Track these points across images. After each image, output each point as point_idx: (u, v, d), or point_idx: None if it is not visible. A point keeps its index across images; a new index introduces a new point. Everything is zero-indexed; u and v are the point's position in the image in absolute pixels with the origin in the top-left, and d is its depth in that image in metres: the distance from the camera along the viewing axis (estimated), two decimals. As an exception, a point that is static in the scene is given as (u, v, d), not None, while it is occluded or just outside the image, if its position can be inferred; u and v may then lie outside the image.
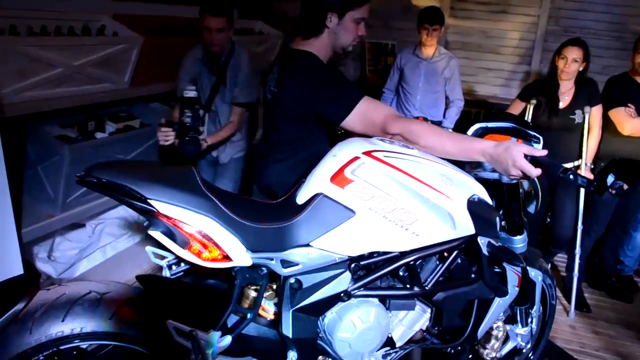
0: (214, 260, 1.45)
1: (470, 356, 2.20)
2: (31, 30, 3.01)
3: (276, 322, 1.70)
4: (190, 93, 2.84)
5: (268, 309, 1.75)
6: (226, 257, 1.45)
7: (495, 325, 2.14)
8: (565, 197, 3.62)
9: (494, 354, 2.15)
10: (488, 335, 2.16)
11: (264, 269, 1.62)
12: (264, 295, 1.73)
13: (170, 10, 4.16)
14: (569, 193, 3.60)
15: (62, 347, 1.46)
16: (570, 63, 3.36)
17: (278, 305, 1.65)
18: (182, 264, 1.80)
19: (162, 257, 1.80)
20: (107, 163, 1.45)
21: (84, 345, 1.49)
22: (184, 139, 2.87)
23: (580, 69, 3.40)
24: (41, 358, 1.51)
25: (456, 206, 1.66)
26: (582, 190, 3.48)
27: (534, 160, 1.64)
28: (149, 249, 1.77)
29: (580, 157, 3.48)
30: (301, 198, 1.66)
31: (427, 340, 1.91)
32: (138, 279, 1.60)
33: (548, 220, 3.99)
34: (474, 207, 1.70)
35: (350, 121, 1.93)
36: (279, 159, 2.22)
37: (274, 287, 1.75)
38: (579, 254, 3.58)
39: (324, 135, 2.22)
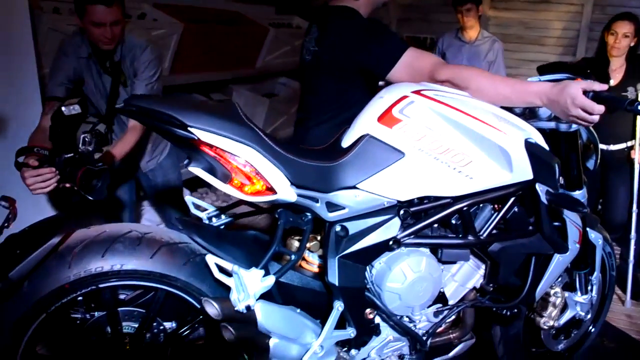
0: (257, 193, 1.38)
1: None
2: (72, 12, 3.04)
3: (321, 275, 1.62)
4: (74, 109, 1.72)
5: (312, 261, 1.67)
6: (270, 190, 1.38)
7: (552, 291, 2.00)
8: (617, 180, 3.45)
9: (551, 322, 2.01)
10: (545, 302, 2.02)
11: (308, 214, 1.54)
12: (308, 247, 1.65)
13: (210, 2, 4.19)
14: (621, 176, 3.43)
15: (101, 285, 1.41)
16: (621, 38, 3.22)
17: (323, 253, 1.57)
18: (223, 217, 1.75)
19: (203, 210, 1.75)
20: (147, 95, 1.40)
21: (123, 283, 1.43)
22: (88, 175, 1.71)
23: (632, 44, 3.26)
24: (79, 298, 1.46)
25: (513, 144, 1.55)
26: (638, 171, 3.30)
27: (595, 98, 1.53)
28: (189, 198, 1.73)
29: (633, 137, 3.32)
30: (346, 141, 1.59)
31: (480, 300, 1.79)
32: (179, 221, 1.55)
33: (599, 207, 3.81)
34: (532, 148, 1.59)
35: (397, 72, 1.85)
36: (321, 121, 2.15)
37: (318, 238, 1.67)
38: (634, 239, 3.39)
39: (366, 95, 2.13)
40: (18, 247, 1.36)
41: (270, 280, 1.39)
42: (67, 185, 1.79)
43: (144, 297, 1.61)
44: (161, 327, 1.60)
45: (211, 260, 1.35)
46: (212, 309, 1.38)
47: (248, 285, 1.35)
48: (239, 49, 4.18)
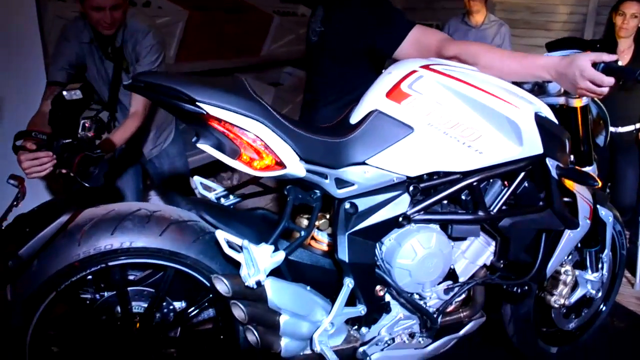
0: (266, 168, 1.37)
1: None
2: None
3: (331, 253, 1.62)
4: (75, 94, 1.72)
5: (321, 239, 1.66)
6: (279, 164, 1.37)
7: (563, 270, 1.99)
8: (626, 162, 3.43)
9: (562, 301, 2.00)
10: (555, 280, 2.01)
11: (317, 191, 1.54)
12: (317, 225, 1.65)
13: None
14: (629, 158, 3.41)
15: (110, 263, 1.40)
16: (629, 19, 3.18)
17: (333, 231, 1.56)
18: (232, 197, 1.74)
19: (211, 190, 1.75)
20: (154, 71, 1.39)
21: (133, 261, 1.42)
22: (86, 161, 1.68)
23: (640, 25, 3.23)
24: (89, 277, 1.46)
25: (523, 116, 1.54)
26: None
27: (604, 70, 1.51)
28: (197, 179, 1.72)
29: (642, 119, 3.30)
30: (355, 117, 1.57)
31: (491, 278, 1.78)
32: (188, 200, 1.54)
33: (607, 191, 3.79)
34: (543, 122, 1.58)
35: (404, 50, 1.83)
36: (328, 102, 2.13)
37: (327, 216, 1.66)
38: (644, 221, 3.37)
39: (373, 74, 2.11)
40: (27, 225, 1.36)
41: (280, 255, 1.38)
42: (64, 171, 1.76)
43: (153, 277, 1.60)
44: (171, 307, 1.59)
45: (221, 235, 1.34)
46: (222, 285, 1.38)
47: (258, 261, 1.34)
48: (244, 37, 4.17)
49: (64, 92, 1.68)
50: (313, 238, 1.67)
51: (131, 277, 1.61)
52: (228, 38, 3.97)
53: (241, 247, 1.34)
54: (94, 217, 1.41)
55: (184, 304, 1.61)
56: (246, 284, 1.35)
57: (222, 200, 1.73)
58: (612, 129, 3.26)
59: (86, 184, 1.67)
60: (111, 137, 2.18)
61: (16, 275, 1.34)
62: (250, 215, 1.64)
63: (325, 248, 1.65)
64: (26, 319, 1.38)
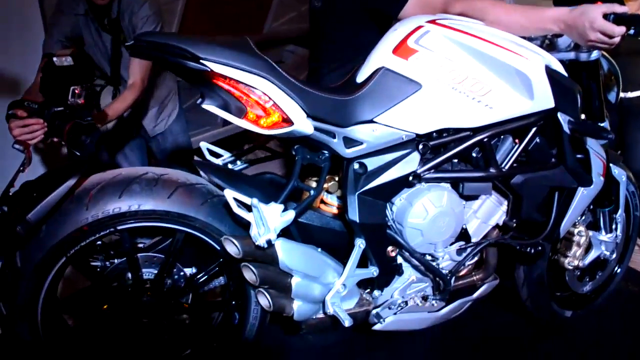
0: (273, 125, 1.35)
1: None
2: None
3: (341, 216, 1.60)
4: (66, 61, 1.71)
5: (331, 202, 1.64)
6: (286, 121, 1.34)
7: (576, 230, 1.96)
8: (637, 127, 3.37)
9: (576, 262, 1.97)
10: (569, 241, 1.98)
11: (325, 152, 1.51)
12: (326, 187, 1.63)
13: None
14: (640, 123, 3.35)
15: (119, 227, 1.39)
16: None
17: (342, 192, 1.54)
18: (239, 162, 1.72)
19: (218, 156, 1.73)
20: (156, 32, 1.36)
21: (141, 225, 1.41)
22: (76, 129, 1.65)
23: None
24: (99, 242, 1.45)
25: (534, 68, 1.50)
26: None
27: (615, 21, 1.47)
28: (204, 144, 1.70)
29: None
30: (361, 76, 1.54)
31: (503, 238, 1.76)
32: (195, 163, 1.52)
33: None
34: (553, 74, 1.54)
35: (409, 9, 1.79)
36: (332, 68, 2.10)
37: (336, 178, 1.64)
38: (656, 186, 3.32)
39: (377, 39, 2.08)
40: (34, 191, 1.35)
41: (290, 215, 1.36)
42: (55, 139, 1.72)
43: (162, 244, 1.59)
44: (181, 273, 1.58)
45: (229, 194, 1.32)
46: (232, 246, 1.36)
47: (268, 220, 1.32)
48: (245, 15, 4.10)
49: (54, 59, 1.66)
50: (322, 201, 1.65)
51: (140, 245, 1.60)
52: (229, 16, 3.91)
53: (250, 207, 1.32)
54: (101, 182, 1.39)
55: (194, 270, 1.59)
56: (256, 243, 1.34)
57: (230, 166, 1.72)
58: (621, 94, 3.21)
59: (77, 153, 1.61)
60: (107, 108, 2.15)
61: (25, 241, 1.33)
62: (258, 178, 1.63)
63: (335, 211, 1.64)
64: (37, 285, 1.37)
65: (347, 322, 1.45)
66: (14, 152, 1.62)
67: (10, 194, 1.40)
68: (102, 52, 2.40)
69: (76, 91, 1.66)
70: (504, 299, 2.17)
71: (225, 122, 3.55)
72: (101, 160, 2.37)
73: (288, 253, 1.41)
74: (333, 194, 1.64)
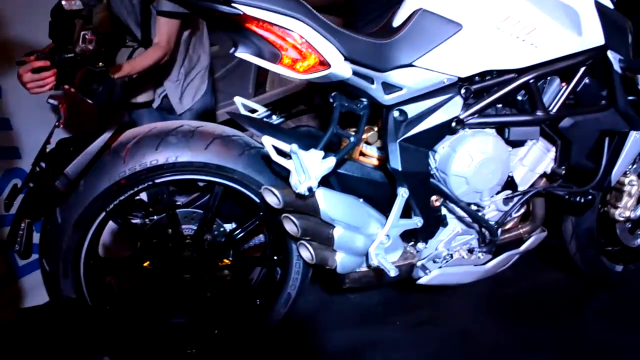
0: (309, 69, 1.30)
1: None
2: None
3: (382, 167, 1.55)
4: (75, 4, 1.60)
5: (370, 153, 1.59)
6: (323, 64, 1.29)
7: (627, 180, 1.87)
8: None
9: (627, 213, 1.89)
10: (619, 192, 1.90)
11: (363, 100, 1.46)
12: (365, 138, 1.57)
13: None
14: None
15: (157, 180, 1.37)
16: None
17: (383, 141, 1.49)
18: (274, 117, 1.69)
19: (253, 111, 1.70)
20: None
21: (179, 178, 1.38)
22: (88, 76, 1.57)
23: None
24: (137, 197, 1.44)
25: (582, 2, 1.42)
26: None
27: None
28: (238, 99, 1.67)
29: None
30: (398, 19, 1.48)
31: (552, 186, 1.68)
32: (230, 115, 1.49)
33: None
34: (603, 9, 1.46)
35: None
36: (368, 20, 2.05)
37: (375, 129, 1.59)
38: None
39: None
40: (71, 146, 1.34)
41: (331, 161, 1.32)
42: (66, 87, 1.63)
43: (200, 200, 1.57)
44: (221, 229, 1.56)
45: (268, 141, 1.28)
46: (272, 197, 1.33)
47: (308, 166, 1.28)
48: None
49: (63, 2, 1.55)
50: (362, 153, 1.60)
51: (179, 203, 1.58)
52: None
53: (290, 155, 1.28)
54: (138, 135, 1.37)
55: (234, 226, 1.57)
56: (297, 191, 1.30)
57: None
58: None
59: (89, 101, 1.55)
60: (126, 63, 2.04)
61: (64, 196, 1.32)
62: (296, 130, 1.59)
63: (375, 162, 1.59)
64: (78, 241, 1.36)
65: (392, 272, 1.41)
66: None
67: (47, 151, 1.38)
68: (127, 10, 2.33)
69: (87, 37, 1.58)
70: (551, 256, 2.10)
71: (256, 92, 3.53)
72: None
73: (329, 202, 1.37)
74: (372, 145, 1.60)
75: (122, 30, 2.10)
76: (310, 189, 1.29)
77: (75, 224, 1.34)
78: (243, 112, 1.67)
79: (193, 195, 1.59)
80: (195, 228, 1.52)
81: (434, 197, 1.53)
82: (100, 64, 1.56)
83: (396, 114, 1.47)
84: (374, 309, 2.04)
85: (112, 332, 1.51)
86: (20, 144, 2.02)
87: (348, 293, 2.09)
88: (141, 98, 2.35)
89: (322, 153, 1.31)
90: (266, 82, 3.75)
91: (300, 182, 1.29)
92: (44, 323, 1.95)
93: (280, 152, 1.30)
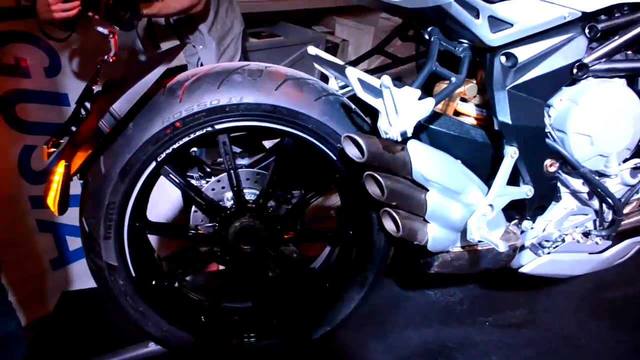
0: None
1: None
2: None
3: (481, 127, 1.29)
4: None
5: (468, 111, 1.34)
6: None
7: None
8: None
9: None
10: None
11: (464, 42, 1.21)
12: (463, 91, 1.31)
13: None
14: None
15: (217, 127, 1.14)
16: None
17: (488, 90, 1.22)
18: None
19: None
20: None
21: (243, 124, 1.16)
22: (115, 3, 1.57)
23: None
24: (194, 150, 1.22)
25: None
26: None
27: None
28: (312, 48, 1.44)
29: None
30: None
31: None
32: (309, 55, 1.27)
33: None
34: None
35: None
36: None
37: (474, 81, 1.33)
38: None
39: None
40: (119, 84, 1.13)
41: (430, 103, 1.06)
42: (91, 14, 1.61)
43: (265, 162, 1.35)
44: (288, 196, 1.33)
45: (353, 74, 1.04)
46: (354, 148, 1.07)
47: (402, 106, 1.03)
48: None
49: None
50: (457, 112, 1.35)
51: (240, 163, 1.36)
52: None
53: (381, 87, 1.03)
54: (197, 73, 1.16)
55: (302, 191, 1.34)
56: (387, 136, 1.05)
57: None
58: None
59: (117, 27, 1.54)
60: (161, 1, 1.92)
61: (109, 140, 1.11)
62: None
63: (473, 122, 1.33)
64: (124, 196, 1.15)
65: (501, 246, 1.13)
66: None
67: (95, 92, 1.19)
68: None
69: None
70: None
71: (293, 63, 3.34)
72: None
73: (424, 158, 1.12)
74: (471, 101, 1.33)
75: None
76: (404, 134, 1.05)
77: (121, 174, 1.13)
78: (318, 67, 1.44)
79: (257, 156, 1.36)
80: (257, 192, 1.29)
81: (548, 161, 1.25)
82: None
83: (503, 58, 1.21)
84: (457, 307, 1.75)
85: (158, 312, 1.29)
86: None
87: (426, 289, 1.82)
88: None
89: (418, 91, 1.05)
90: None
91: (392, 125, 1.04)
92: (89, 306, 1.76)
93: (368, 88, 1.06)
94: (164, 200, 2.34)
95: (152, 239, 2.04)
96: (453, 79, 1.13)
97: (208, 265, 1.80)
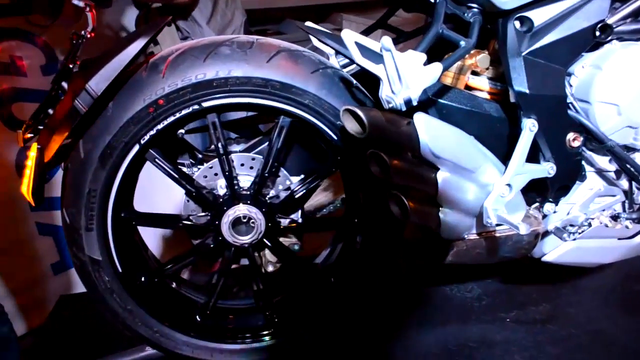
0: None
1: None
2: None
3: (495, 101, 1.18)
4: None
5: (479, 85, 1.23)
6: None
7: None
8: None
9: None
10: None
11: (473, 6, 1.10)
12: (474, 63, 1.20)
13: None
14: None
15: (204, 104, 1.05)
16: None
17: (502, 58, 1.11)
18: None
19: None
20: None
21: (233, 101, 1.06)
22: None
23: None
24: (181, 132, 1.13)
25: None
26: None
27: None
28: (309, 23, 1.33)
29: None
30: None
31: None
32: (300, 27, 1.17)
33: None
34: None
35: None
36: None
37: (486, 52, 1.22)
38: None
39: None
40: (97, 61, 1.04)
41: (437, 68, 0.95)
42: None
43: (261, 146, 1.24)
44: (287, 182, 1.23)
45: (350, 36, 0.94)
46: (354, 122, 0.97)
47: (406, 71, 0.92)
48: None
49: None
50: (469, 87, 1.23)
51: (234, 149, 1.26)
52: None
53: (381, 50, 0.92)
54: (182, 47, 1.06)
55: (302, 176, 1.23)
56: (390, 105, 0.95)
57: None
58: None
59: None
60: None
61: (87, 121, 1.02)
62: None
63: (485, 96, 1.22)
64: (105, 182, 1.06)
65: (522, 228, 1.02)
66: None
67: (73, 72, 1.10)
68: None
69: None
70: None
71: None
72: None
73: (433, 131, 1.00)
74: (482, 75, 1.22)
75: None
76: (408, 102, 0.94)
77: (101, 159, 1.03)
78: (316, 44, 1.33)
79: (252, 141, 1.26)
80: (251, 179, 1.19)
81: (571, 135, 1.14)
82: None
83: (517, 23, 1.10)
84: (476, 303, 1.64)
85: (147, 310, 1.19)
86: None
87: (441, 284, 1.70)
88: None
89: (424, 56, 0.94)
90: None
91: (395, 93, 0.93)
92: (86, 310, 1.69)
93: (367, 53, 0.96)
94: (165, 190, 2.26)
95: (156, 241, 2.00)
96: (462, 43, 1.02)
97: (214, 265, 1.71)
